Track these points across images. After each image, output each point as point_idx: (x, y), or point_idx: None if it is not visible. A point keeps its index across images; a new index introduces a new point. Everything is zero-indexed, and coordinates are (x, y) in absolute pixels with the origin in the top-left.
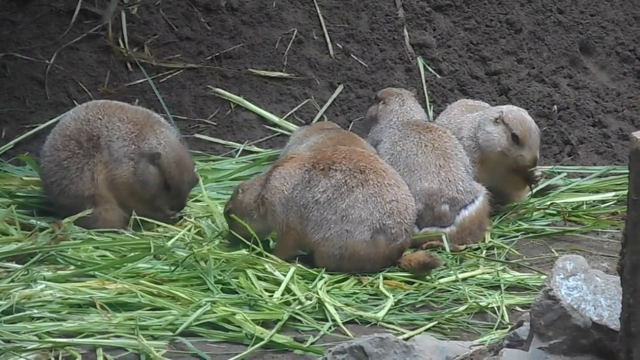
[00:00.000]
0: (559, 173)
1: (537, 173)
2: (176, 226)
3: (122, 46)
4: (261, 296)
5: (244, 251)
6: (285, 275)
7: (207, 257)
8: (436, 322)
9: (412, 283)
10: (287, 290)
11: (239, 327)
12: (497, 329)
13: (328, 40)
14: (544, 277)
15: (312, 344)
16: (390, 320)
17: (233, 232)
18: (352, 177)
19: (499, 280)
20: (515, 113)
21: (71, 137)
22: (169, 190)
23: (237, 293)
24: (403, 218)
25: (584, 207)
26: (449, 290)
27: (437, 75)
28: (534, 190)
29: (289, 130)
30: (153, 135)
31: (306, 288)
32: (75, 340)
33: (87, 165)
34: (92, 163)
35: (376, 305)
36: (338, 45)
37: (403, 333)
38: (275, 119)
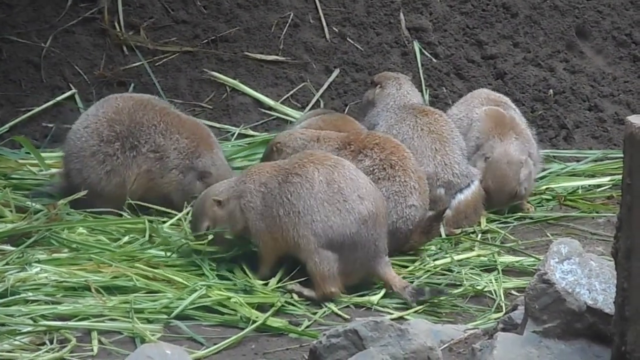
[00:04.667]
0: (555, 157)
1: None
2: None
3: (118, 29)
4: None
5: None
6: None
7: (202, 250)
8: (430, 305)
9: (407, 267)
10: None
11: (234, 310)
12: (495, 311)
13: (324, 23)
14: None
15: (306, 327)
16: (384, 304)
17: None
18: (381, 169)
19: (495, 262)
20: (497, 166)
21: (118, 136)
22: None
23: (232, 280)
24: (414, 224)
25: (580, 191)
26: (444, 274)
27: (433, 59)
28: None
29: (285, 114)
30: (209, 155)
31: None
32: (69, 323)
33: (118, 170)
34: (128, 174)
35: (370, 290)
36: (334, 29)
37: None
38: (271, 102)
